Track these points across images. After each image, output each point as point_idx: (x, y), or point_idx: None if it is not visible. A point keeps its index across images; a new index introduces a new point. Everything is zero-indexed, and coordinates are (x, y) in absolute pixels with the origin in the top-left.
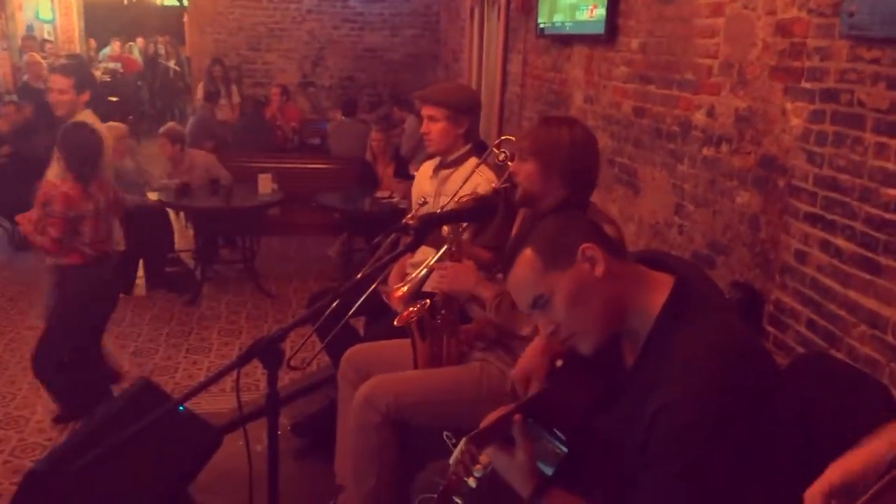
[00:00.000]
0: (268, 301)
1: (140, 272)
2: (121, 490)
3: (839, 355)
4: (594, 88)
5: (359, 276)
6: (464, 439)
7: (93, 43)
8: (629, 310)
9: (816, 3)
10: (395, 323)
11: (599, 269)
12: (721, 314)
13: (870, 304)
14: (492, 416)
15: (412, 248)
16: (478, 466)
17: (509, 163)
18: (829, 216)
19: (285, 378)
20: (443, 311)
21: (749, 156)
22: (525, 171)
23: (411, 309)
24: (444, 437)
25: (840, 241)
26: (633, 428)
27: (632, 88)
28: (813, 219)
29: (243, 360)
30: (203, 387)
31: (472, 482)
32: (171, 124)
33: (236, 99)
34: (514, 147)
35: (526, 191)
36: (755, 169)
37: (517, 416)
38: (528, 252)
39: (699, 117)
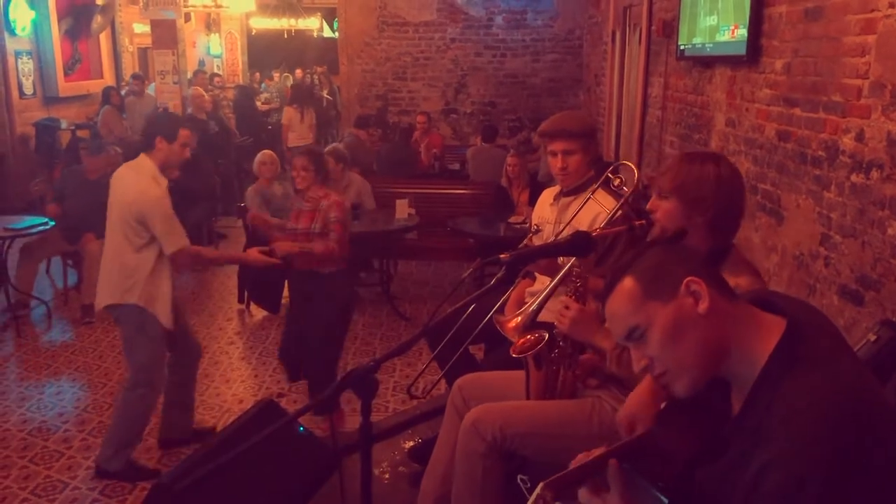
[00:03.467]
0: (402, 323)
1: (286, 292)
2: None
3: None
4: (736, 111)
5: (452, 309)
6: (540, 485)
7: (257, 76)
8: (734, 353)
9: None
10: (511, 352)
11: (703, 306)
12: (837, 363)
13: None
14: (578, 460)
15: (506, 284)
16: None
17: (624, 188)
18: None
19: (413, 402)
20: (560, 344)
21: None
22: (665, 208)
23: (529, 337)
24: (519, 481)
25: None
26: (736, 481)
27: (775, 111)
28: None
29: (337, 390)
30: (306, 409)
31: None
32: (335, 145)
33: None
34: (651, 181)
35: (665, 229)
36: None
37: (613, 461)
38: (627, 280)
39: (847, 142)
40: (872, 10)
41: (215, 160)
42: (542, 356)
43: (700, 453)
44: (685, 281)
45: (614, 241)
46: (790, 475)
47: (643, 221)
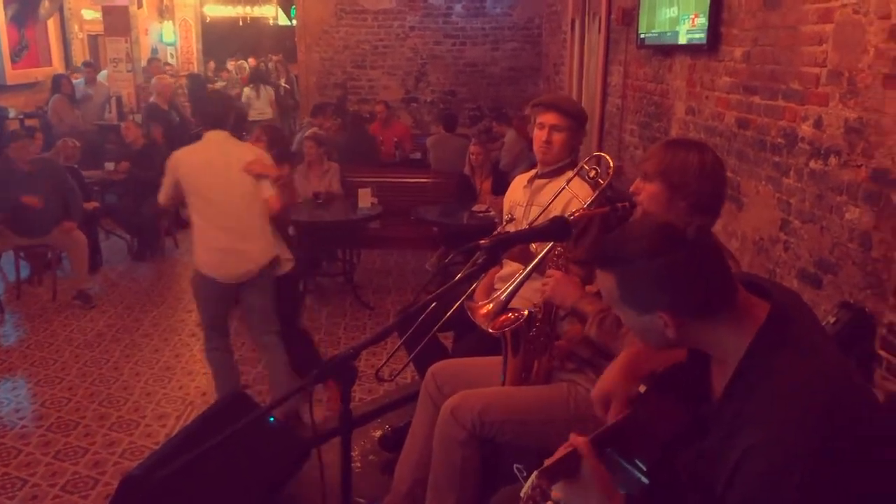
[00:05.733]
0: (366, 313)
1: None
2: (211, 497)
3: None
4: (696, 100)
5: (429, 297)
6: (535, 473)
7: (212, 64)
8: (712, 343)
9: None
10: (490, 329)
11: (671, 333)
12: (818, 348)
13: None
14: (563, 448)
15: (484, 269)
16: (549, 503)
17: (600, 180)
18: None
19: (380, 390)
20: (538, 324)
21: (860, 169)
22: (649, 191)
23: (509, 315)
24: (515, 470)
25: None
26: (718, 464)
27: (735, 99)
28: None
29: (316, 378)
30: (282, 400)
31: None
32: (314, 129)
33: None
34: (618, 169)
35: (647, 211)
36: (866, 183)
37: (586, 453)
38: (610, 278)
39: (806, 129)
40: (829, 0)
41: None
42: (520, 334)
43: (681, 434)
44: (658, 312)
45: (590, 224)
46: (772, 462)
47: (626, 203)
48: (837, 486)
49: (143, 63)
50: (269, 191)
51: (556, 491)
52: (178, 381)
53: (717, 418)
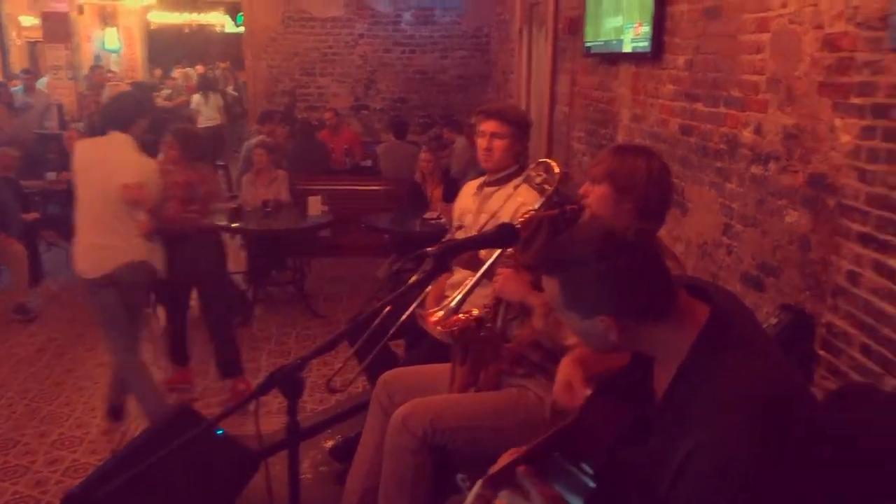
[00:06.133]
0: (317, 322)
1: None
2: None
3: (895, 381)
4: (641, 107)
5: (379, 304)
6: (478, 483)
7: (158, 72)
8: (653, 345)
9: (864, 16)
10: (440, 329)
11: (613, 337)
12: (759, 350)
13: None
14: (506, 457)
15: (433, 277)
16: None
17: (546, 186)
18: (882, 236)
19: (331, 399)
20: (488, 325)
21: (798, 174)
22: (597, 193)
23: (459, 316)
24: (459, 481)
25: (894, 263)
26: (661, 466)
27: (678, 106)
28: (865, 239)
29: (262, 389)
30: (229, 413)
31: None
32: (262, 137)
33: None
34: (565, 175)
35: (595, 214)
36: (804, 187)
37: (523, 467)
38: (554, 283)
39: (747, 135)
40: (767, 10)
41: None
42: (469, 337)
43: (625, 436)
44: (600, 317)
45: (539, 227)
46: (713, 465)
47: (574, 206)
48: (779, 487)
49: (85, 70)
50: (141, 215)
51: (501, 499)
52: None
53: (660, 420)
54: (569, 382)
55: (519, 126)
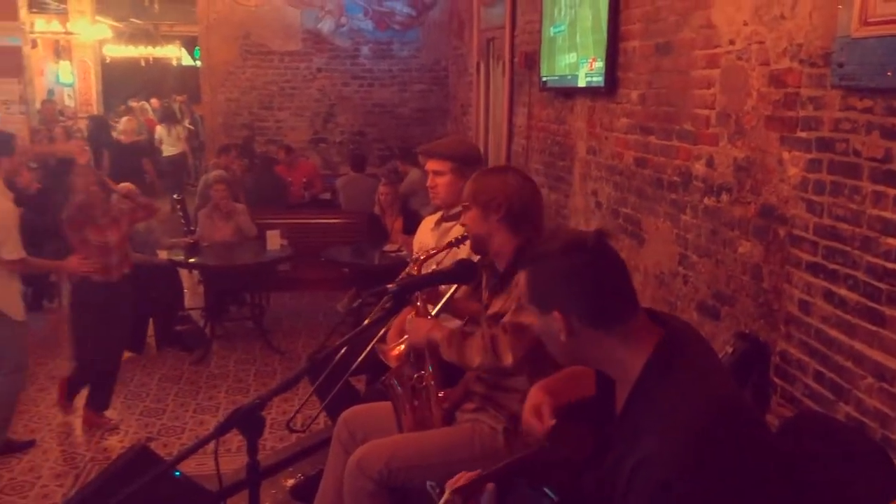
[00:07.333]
0: (277, 357)
1: (150, 331)
2: None
3: (847, 408)
4: (596, 140)
5: (338, 343)
6: (448, 490)
7: (122, 107)
8: (607, 362)
9: (807, 53)
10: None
11: (563, 337)
12: (709, 371)
13: (876, 355)
14: (470, 475)
15: (392, 313)
16: None
17: None
18: (831, 266)
19: (293, 437)
20: (422, 372)
21: (749, 205)
22: (469, 217)
23: (396, 346)
24: (428, 487)
25: (843, 291)
26: (615, 478)
27: (633, 139)
28: (815, 268)
29: (222, 429)
30: (187, 454)
31: None
32: (220, 172)
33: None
34: None
35: (474, 236)
36: (755, 218)
37: (490, 486)
38: (523, 276)
39: (699, 167)
40: (716, 46)
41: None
42: (414, 386)
43: (589, 460)
44: (553, 312)
45: (471, 276)
46: (657, 477)
47: (460, 237)
48: (720, 500)
49: (38, 105)
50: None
51: None
52: (78, 438)
53: (617, 436)
54: (538, 408)
55: (460, 161)
